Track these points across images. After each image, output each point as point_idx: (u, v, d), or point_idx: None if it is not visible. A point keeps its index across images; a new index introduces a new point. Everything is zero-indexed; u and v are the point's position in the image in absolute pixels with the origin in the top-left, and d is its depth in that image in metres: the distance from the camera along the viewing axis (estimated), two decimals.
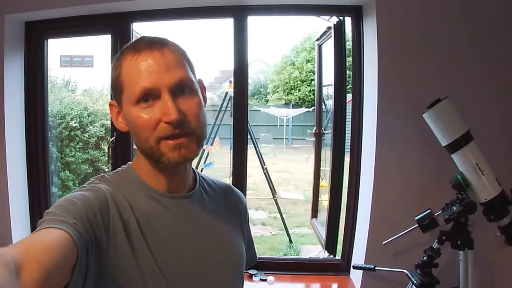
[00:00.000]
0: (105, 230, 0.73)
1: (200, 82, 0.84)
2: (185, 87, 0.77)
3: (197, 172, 0.94)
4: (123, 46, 0.82)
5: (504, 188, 1.51)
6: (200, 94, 0.81)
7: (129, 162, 0.89)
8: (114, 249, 0.73)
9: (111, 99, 0.86)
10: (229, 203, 0.98)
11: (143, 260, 0.76)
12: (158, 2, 2.05)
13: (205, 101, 0.84)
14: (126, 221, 0.77)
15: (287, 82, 17.77)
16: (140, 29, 2.24)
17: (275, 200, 5.70)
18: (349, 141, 2.16)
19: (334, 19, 2.26)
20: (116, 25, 2.13)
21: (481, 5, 1.81)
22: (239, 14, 2.10)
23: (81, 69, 15.30)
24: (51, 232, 0.62)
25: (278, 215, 5.77)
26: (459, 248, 1.54)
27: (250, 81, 2.15)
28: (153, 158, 0.79)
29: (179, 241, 0.82)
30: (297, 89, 17.48)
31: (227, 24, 2.20)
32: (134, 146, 2.14)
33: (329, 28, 2.42)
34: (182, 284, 0.80)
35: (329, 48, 2.56)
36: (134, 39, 0.84)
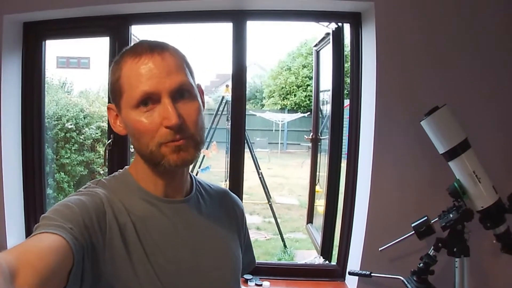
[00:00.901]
0: (102, 235, 0.72)
1: (199, 87, 0.84)
2: (184, 92, 0.77)
3: (194, 177, 0.94)
4: (122, 49, 0.82)
5: (500, 196, 1.51)
6: (199, 99, 0.81)
7: (126, 167, 0.89)
8: (110, 254, 0.73)
9: (109, 102, 0.86)
10: (225, 207, 0.98)
11: (140, 264, 0.76)
12: (158, 5, 2.04)
13: (203, 106, 0.84)
14: (123, 225, 0.76)
15: (283, 87, 17.81)
16: (138, 32, 2.24)
17: (270, 205, 5.69)
18: (346, 146, 2.16)
19: (333, 25, 2.26)
20: (115, 27, 2.12)
21: (481, 13, 1.82)
22: (238, 19, 2.10)
23: (77, 71, 15.25)
24: (47, 237, 0.62)
25: (272, 219, 5.76)
26: (455, 255, 1.54)
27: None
28: (153, 162, 0.79)
29: (175, 245, 0.82)
30: (293, 94, 17.51)
31: (223, 28, 2.21)
32: (131, 150, 2.13)
33: (328, 34, 2.43)
34: None
35: (327, 54, 2.57)
36: (132, 42, 0.84)
